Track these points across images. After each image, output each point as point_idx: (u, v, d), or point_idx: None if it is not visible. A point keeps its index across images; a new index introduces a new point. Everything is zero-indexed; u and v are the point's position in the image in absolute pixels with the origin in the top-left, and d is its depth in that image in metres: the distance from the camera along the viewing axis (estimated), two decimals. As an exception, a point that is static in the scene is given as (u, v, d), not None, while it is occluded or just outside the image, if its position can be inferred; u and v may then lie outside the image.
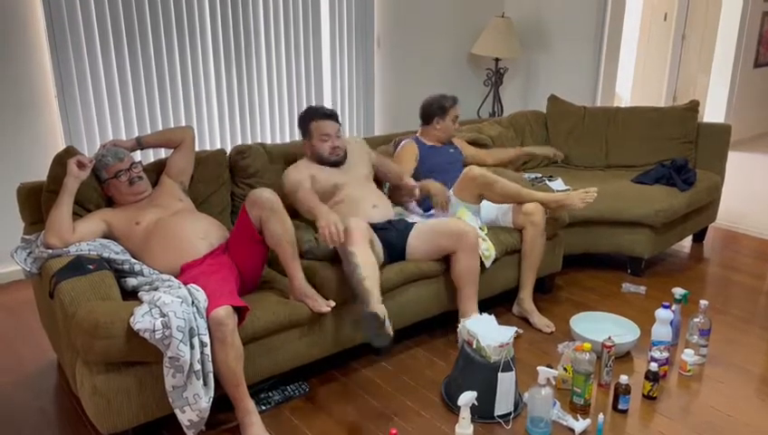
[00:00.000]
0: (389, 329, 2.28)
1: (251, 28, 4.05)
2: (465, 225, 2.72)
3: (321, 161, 2.85)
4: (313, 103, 4.45)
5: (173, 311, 1.95)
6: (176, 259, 2.32)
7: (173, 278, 2.19)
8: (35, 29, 3.32)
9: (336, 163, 2.86)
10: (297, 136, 4.36)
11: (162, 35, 3.71)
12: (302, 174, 2.78)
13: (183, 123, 3.90)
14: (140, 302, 2.08)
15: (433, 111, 3.34)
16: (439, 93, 3.40)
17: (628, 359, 2.68)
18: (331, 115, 2.85)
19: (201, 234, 2.40)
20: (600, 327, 2.73)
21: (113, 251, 2.25)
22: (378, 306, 2.28)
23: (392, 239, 2.71)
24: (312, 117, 2.85)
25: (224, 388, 2.10)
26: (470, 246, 2.67)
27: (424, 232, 2.72)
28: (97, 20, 3.46)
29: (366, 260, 2.38)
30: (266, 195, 2.31)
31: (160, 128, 3.81)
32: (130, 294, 2.19)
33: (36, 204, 2.44)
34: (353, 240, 2.41)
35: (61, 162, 2.39)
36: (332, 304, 2.36)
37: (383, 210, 2.85)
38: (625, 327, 2.77)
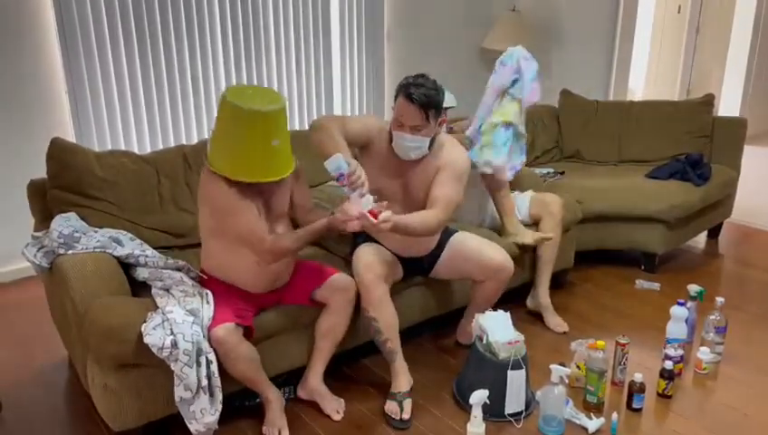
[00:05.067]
0: (406, 413, 2.26)
1: (260, 22, 4.03)
2: (506, 257, 2.48)
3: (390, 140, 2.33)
4: (323, 97, 4.43)
5: (182, 333, 1.92)
6: (237, 277, 2.17)
7: (185, 278, 2.14)
8: (46, 25, 3.32)
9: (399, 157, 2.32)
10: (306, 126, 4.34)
11: (171, 29, 3.70)
12: (368, 128, 2.33)
13: (192, 116, 3.88)
14: (153, 299, 2.08)
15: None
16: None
17: (643, 357, 2.65)
18: (419, 100, 2.17)
19: (277, 276, 2.22)
20: None
21: (120, 246, 2.22)
22: (402, 381, 2.33)
23: (417, 262, 2.52)
24: (399, 90, 2.23)
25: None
26: (505, 280, 2.49)
27: (456, 259, 2.50)
28: (107, 16, 3.46)
29: (387, 322, 2.29)
30: (350, 282, 2.27)
31: (170, 124, 3.80)
32: (141, 284, 2.19)
33: (46, 201, 2.42)
34: (370, 301, 2.25)
35: (52, 157, 2.36)
36: (342, 413, 2.31)
37: (425, 243, 2.48)
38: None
